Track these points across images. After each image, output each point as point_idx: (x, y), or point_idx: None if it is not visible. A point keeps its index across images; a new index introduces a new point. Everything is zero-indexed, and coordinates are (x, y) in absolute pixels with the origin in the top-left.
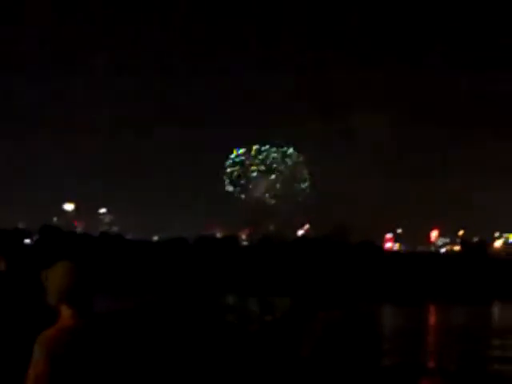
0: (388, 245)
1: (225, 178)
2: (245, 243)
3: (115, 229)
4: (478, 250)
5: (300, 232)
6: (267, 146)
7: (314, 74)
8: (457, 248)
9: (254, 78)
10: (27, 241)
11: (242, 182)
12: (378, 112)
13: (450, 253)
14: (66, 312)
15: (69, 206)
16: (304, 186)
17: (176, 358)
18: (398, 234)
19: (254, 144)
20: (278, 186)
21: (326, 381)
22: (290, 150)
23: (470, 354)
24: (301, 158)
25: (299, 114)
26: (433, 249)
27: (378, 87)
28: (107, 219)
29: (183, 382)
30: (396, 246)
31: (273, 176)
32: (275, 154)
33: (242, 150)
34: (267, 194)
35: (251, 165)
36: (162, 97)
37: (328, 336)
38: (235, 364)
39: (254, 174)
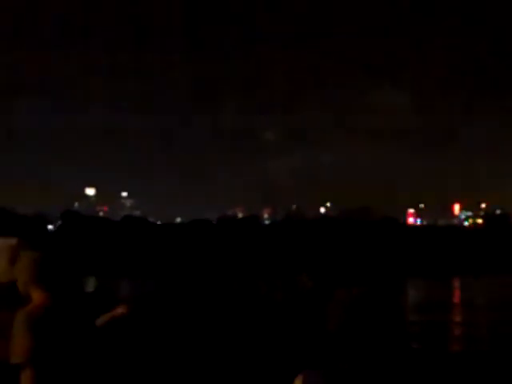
0: (410, 220)
1: None
2: (267, 222)
3: (137, 212)
4: (501, 222)
5: (322, 210)
6: None
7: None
8: (480, 221)
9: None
10: (50, 227)
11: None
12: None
13: (473, 226)
14: (35, 294)
15: (90, 191)
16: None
17: (207, 330)
18: (421, 208)
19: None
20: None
21: (355, 355)
22: None
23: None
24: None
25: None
26: (455, 222)
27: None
28: (128, 203)
29: (216, 351)
30: (418, 221)
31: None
32: None
33: None
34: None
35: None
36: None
37: (353, 311)
38: (263, 332)
39: None
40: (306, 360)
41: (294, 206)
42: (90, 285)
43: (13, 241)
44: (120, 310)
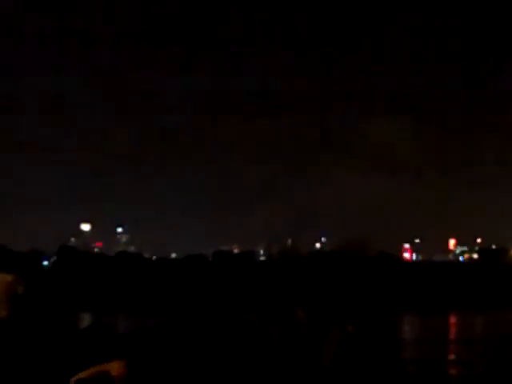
0: (406, 255)
1: None
2: (262, 258)
3: (132, 248)
4: (496, 258)
5: (317, 245)
6: None
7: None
8: (475, 256)
9: None
10: (45, 263)
11: None
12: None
13: (468, 261)
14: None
15: (85, 227)
16: None
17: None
18: (416, 243)
19: None
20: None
21: None
22: None
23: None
24: None
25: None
26: (451, 257)
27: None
28: (124, 238)
29: None
30: (414, 256)
31: None
32: None
33: None
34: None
35: None
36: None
37: (348, 347)
38: (259, 372)
39: None
40: None
41: (290, 241)
42: (85, 321)
43: (9, 277)
44: (111, 368)
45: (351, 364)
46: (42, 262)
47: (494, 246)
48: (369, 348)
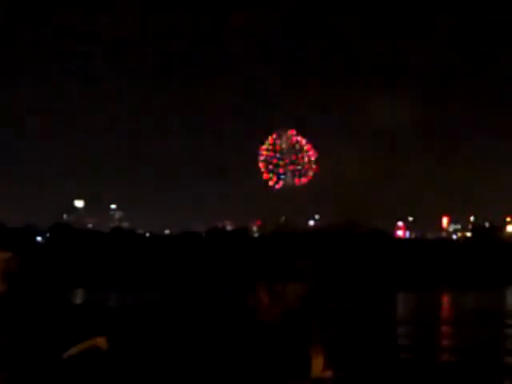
0: (399, 232)
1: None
2: (256, 235)
3: (125, 224)
4: (489, 235)
5: (311, 222)
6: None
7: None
8: (469, 234)
9: None
10: (39, 239)
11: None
12: (393, 97)
13: (461, 239)
14: None
15: (79, 203)
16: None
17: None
18: (409, 221)
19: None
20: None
21: (344, 366)
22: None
23: (485, 338)
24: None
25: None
26: (444, 235)
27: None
28: (117, 215)
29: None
30: (407, 234)
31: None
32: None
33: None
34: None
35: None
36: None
37: (338, 325)
38: (252, 356)
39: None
40: (293, 372)
41: (283, 219)
42: (79, 297)
43: (6, 254)
44: (99, 343)
45: (345, 341)
46: (35, 238)
47: (487, 224)
48: (361, 325)
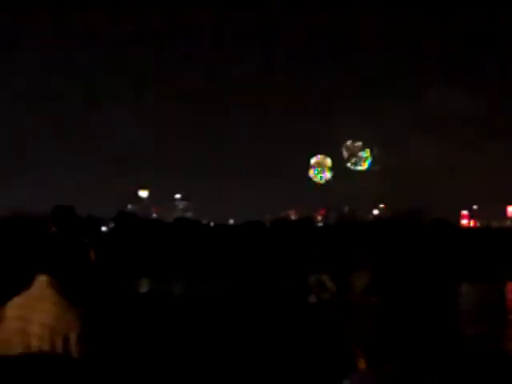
0: (464, 221)
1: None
2: (320, 224)
3: (189, 214)
4: None
5: (375, 212)
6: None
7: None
8: None
9: None
10: (103, 228)
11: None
12: (454, 88)
13: None
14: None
15: (143, 193)
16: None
17: (252, 338)
18: (474, 210)
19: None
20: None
21: (400, 355)
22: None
23: None
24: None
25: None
26: (509, 224)
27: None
28: (181, 205)
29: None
30: (472, 223)
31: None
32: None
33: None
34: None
35: None
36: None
37: (379, 320)
38: (315, 346)
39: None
40: (341, 366)
41: (347, 208)
42: (144, 286)
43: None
44: None
45: (387, 337)
46: (100, 228)
47: None
48: (415, 315)
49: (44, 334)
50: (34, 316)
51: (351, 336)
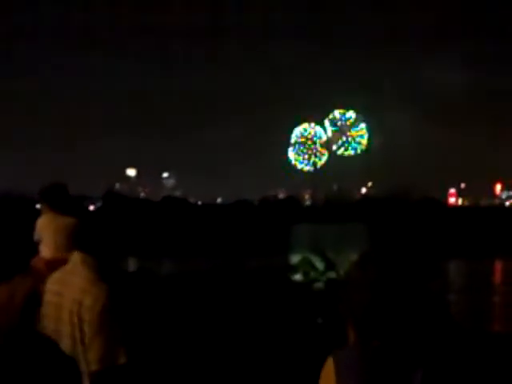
0: (451, 200)
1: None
2: (308, 203)
3: (178, 193)
4: None
5: (363, 190)
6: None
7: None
8: None
9: None
10: (91, 207)
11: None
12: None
13: None
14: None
15: (131, 172)
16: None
17: (240, 318)
18: (462, 188)
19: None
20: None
21: (386, 332)
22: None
23: None
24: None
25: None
26: (497, 202)
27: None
28: (170, 184)
29: (248, 341)
30: (459, 201)
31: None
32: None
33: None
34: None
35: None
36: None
37: (380, 289)
38: (300, 324)
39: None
40: (328, 341)
41: (335, 187)
42: (132, 265)
43: (73, 220)
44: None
45: (385, 306)
46: (88, 206)
47: None
48: (402, 289)
49: (73, 307)
50: (67, 290)
51: (342, 311)
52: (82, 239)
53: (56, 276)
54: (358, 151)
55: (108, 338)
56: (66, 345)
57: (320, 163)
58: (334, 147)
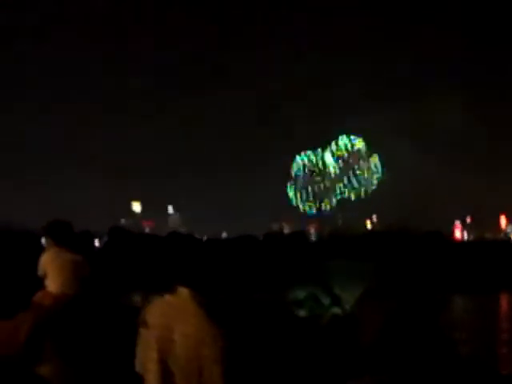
0: (457, 233)
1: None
2: (313, 238)
3: (183, 229)
4: None
5: (368, 224)
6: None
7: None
8: None
9: None
10: (96, 243)
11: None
12: (446, 98)
13: None
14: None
15: (136, 207)
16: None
17: (247, 354)
18: (467, 222)
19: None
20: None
21: (389, 371)
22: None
23: None
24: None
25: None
26: (503, 236)
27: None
28: (175, 219)
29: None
30: (465, 235)
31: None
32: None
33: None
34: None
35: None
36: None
37: (389, 325)
38: (307, 359)
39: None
40: (344, 373)
41: (340, 221)
42: (137, 300)
43: (78, 257)
44: None
45: (394, 339)
46: (93, 242)
47: None
48: (410, 323)
49: (188, 343)
50: (177, 326)
51: (351, 345)
52: (190, 276)
53: (159, 310)
54: (368, 192)
55: (223, 372)
56: (179, 377)
57: (324, 205)
58: (340, 187)
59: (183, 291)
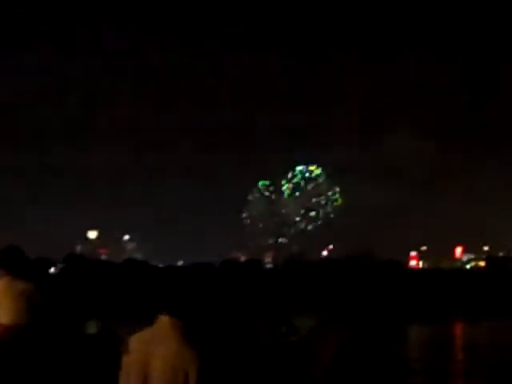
0: (413, 262)
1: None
2: (269, 266)
3: (138, 256)
4: (503, 265)
5: (324, 252)
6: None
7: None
8: (482, 263)
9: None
10: (52, 270)
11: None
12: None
13: (475, 268)
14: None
15: (92, 234)
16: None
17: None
18: (422, 251)
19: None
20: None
21: None
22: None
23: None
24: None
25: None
26: (458, 265)
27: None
28: (130, 246)
29: None
30: (420, 264)
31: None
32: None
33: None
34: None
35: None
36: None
37: (342, 353)
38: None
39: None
40: None
41: (296, 249)
42: (93, 327)
43: (30, 285)
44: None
45: (347, 371)
46: (49, 269)
47: (501, 254)
48: (368, 354)
49: (166, 367)
50: (156, 350)
51: (305, 372)
52: (169, 303)
53: (141, 336)
54: (324, 221)
55: None
56: None
57: (281, 234)
58: (297, 219)
59: (163, 318)
